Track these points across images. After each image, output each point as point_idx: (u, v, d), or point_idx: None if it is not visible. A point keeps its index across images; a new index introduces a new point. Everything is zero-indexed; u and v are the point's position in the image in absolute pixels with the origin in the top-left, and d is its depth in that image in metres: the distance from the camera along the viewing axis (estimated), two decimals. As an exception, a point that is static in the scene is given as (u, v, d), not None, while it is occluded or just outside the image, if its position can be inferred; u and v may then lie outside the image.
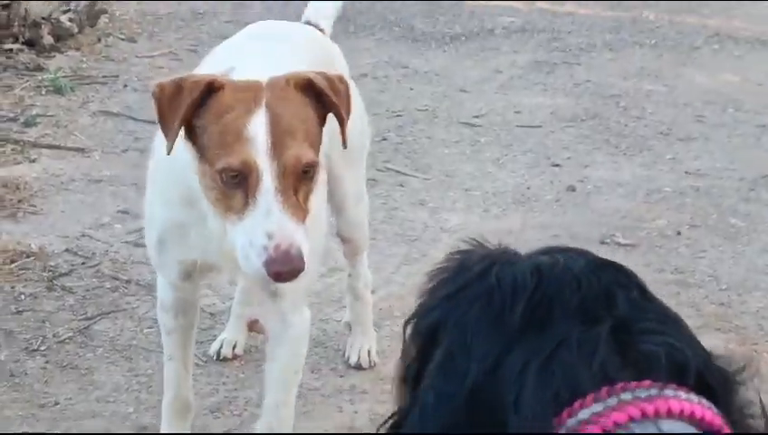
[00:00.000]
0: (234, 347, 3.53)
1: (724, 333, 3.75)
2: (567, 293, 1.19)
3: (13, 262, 3.94)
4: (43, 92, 5.89)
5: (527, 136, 5.64)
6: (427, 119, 5.93)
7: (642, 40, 7.90)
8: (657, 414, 1.10)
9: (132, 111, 5.70)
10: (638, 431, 1.08)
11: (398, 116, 5.91)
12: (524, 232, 4.44)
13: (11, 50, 6.41)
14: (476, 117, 5.96)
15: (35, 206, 4.46)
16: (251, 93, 2.26)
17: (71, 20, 6.83)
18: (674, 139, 5.72)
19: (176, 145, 2.27)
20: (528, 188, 4.93)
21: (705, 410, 1.13)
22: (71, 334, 3.54)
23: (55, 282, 3.85)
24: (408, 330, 1.30)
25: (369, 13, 8.27)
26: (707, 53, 7.61)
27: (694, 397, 1.13)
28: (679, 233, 4.49)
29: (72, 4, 7.24)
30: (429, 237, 4.44)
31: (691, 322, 3.80)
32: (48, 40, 6.60)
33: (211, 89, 2.26)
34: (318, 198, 2.62)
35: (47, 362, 3.42)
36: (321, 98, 2.35)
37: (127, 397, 3.34)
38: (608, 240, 4.41)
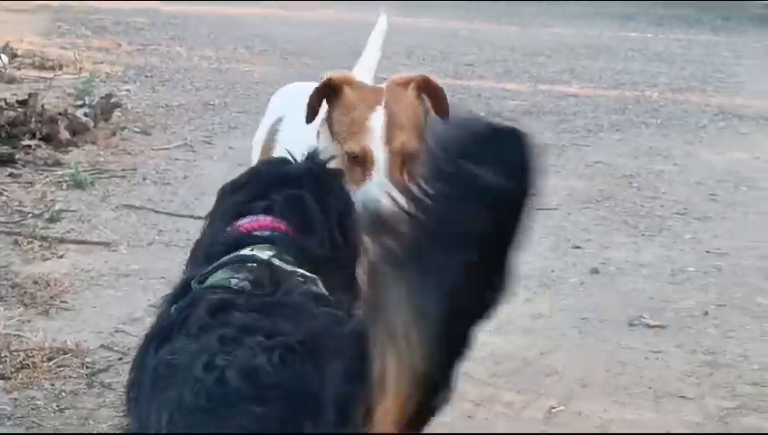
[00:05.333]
0: None
1: (761, 413, 3.73)
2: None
3: (50, 359, 3.95)
4: (64, 187, 5.95)
5: (546, 218, 5.70)
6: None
7: (648, 119, 8.04)
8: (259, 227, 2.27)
9: (154, 203, 5.76)
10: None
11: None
12: (553, 316, 4.47)
13: (29, 146, 6.49)
14: (493, 200, 6.03)
15: (67, 302, 4.48)
16: (374, 94, 2.90)
17: (86, 115, 6.93)
18: (690, 218, 5.80)
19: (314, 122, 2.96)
20: (552, 271, 4.97)
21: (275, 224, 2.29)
22: (114, 431, 3.54)
23: (94, 378, 3.86)
24: None
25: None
26: (713, 131, 7.74)
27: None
28: (707, 313, 4.53)
29: (87, 99, 7.36)
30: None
31: (726, 403, 3.77)
32: (65, 135, 6.68)
33: (331, 86, 2.92)
34: None
35: (94, 460, 3.43)
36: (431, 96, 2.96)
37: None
38: (636, 322, 4.44)
